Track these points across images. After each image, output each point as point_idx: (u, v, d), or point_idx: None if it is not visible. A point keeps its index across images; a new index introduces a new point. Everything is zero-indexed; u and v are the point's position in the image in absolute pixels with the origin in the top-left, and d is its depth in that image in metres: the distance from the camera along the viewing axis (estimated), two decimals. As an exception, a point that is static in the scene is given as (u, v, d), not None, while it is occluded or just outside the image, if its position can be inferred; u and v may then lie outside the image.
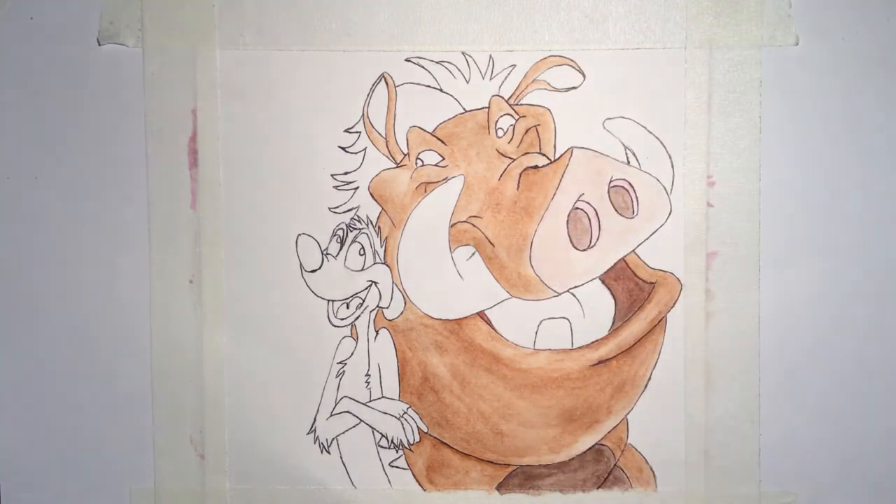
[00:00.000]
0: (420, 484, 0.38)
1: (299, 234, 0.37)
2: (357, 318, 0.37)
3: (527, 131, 0.37)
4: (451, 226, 0.37)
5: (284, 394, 0.38)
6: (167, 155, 0.37)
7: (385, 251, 0.37)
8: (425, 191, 0.37)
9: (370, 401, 0.38)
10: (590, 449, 0.38)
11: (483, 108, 0.37)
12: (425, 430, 0.38)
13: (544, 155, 0.37)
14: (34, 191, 0.37)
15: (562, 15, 0.36)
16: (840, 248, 0.36)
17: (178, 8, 0.37)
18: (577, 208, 0.37)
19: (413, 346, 0.37)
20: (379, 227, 0.37)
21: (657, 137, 0.36)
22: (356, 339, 0.37)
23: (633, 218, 0.37)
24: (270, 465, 0.38)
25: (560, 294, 0.37)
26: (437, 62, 0.37)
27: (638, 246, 0.37)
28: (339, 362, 0.38)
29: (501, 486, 0.38)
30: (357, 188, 0.37)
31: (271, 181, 0.37)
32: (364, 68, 0.37)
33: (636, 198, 0.37)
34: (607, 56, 0.36)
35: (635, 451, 0.37)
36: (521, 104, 0.37)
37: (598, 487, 0.38)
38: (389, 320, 0.37)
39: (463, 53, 0.37)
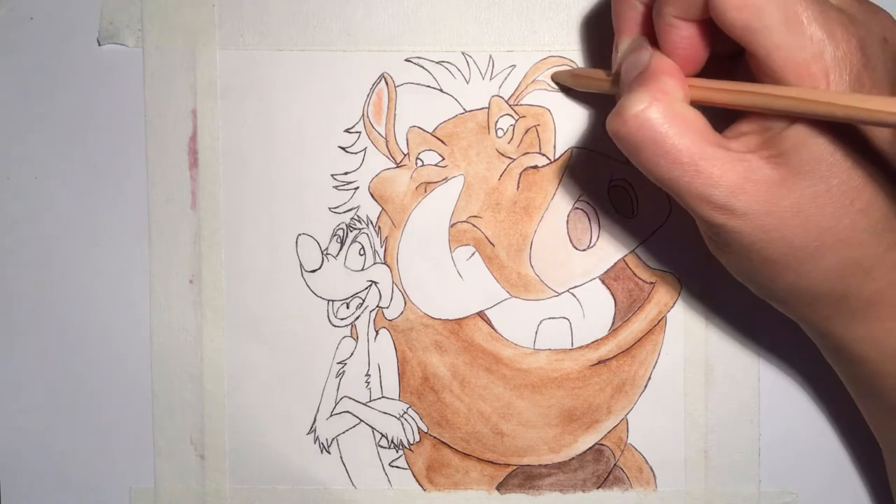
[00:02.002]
0: (420, 484, 0.38)
1: (299, 234, 0.37)
2: (357, 318, 0.37)
3: (527, 131, 0.37)
4: (451, 226, 0.37)
5: (284, 394, 0.38)
6: (167, 155, 0.37)
7: (385, 251, 0.37)
8: (425, 191, 0.37)
9: (370, 401, 0.38)
10: (590, 449, 0.38)
11: (483, 108, 0.37)
12: (425, 430, 0.38)
13: (544, 155, 0.37)
14: (34, 191, 0.37)
15: (561, 15, 0.36)
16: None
17: (178, 8, 0.37)
18: (577, 208, 0.37)
19: (413, 346, 0.37)
20: (379, 227, 0.37)
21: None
22: (356, 339, 0.37)
23: (633, 218, 0.37)
24: (270, 465, 0.38)
25: (560, 294, 0.37)
26: (437, 62, 0.37)
27: (638, 246, 0.37)
28: (339, 362, 0.38)
29: (501, 486, 0.38)
30: (357, 188, 0.37)
31: (271, 181, 0.37)
32: (364, 68, 0.37)
33: (636, 198, 0.37)
34: (607, 56, 0.36)
35: (635, 451, 0.37)
36: (521, 104, 0.37)
37: (598, 487, 0.38)
38: (389, 320, 0.37)
39: (463, 54, 0.37)
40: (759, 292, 0.31)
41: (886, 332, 0.28)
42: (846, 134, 0.26)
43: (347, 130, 0.37)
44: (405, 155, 0.37)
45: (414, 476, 0.38)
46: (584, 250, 0.37)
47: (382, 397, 0.38)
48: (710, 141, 0.27)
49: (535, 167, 0.37)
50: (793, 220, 0.27)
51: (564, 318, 0.37)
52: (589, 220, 0.37)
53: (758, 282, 0.30)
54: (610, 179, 0.37)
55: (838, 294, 0.28)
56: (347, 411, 0.38)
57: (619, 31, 0.31)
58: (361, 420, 0.38)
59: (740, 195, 0.27)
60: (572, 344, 0.37)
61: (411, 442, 0.38)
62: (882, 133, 0.27)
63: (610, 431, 0.37)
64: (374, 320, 0.37)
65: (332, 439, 0.38)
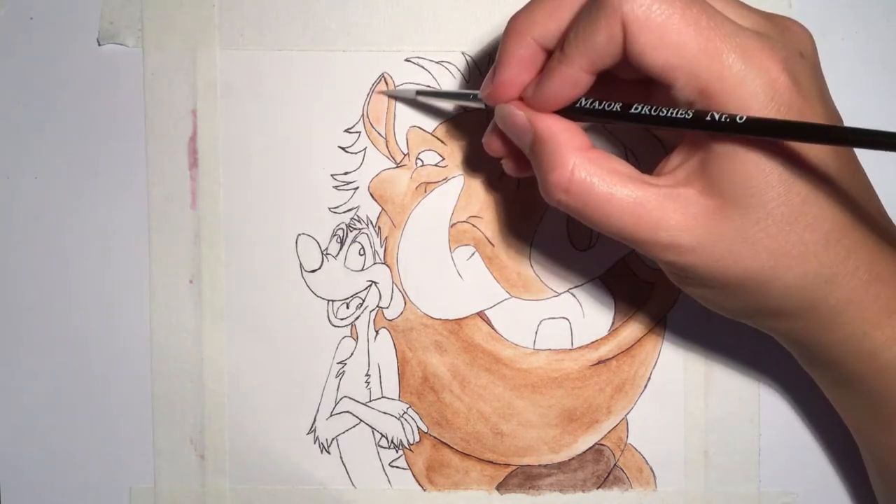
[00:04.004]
0: (420, 484, 0.38)
1: (299, 234, 0.37)
2: (357, 318, 0.37)
3: (527, 131, 0.37)
4: (451, 226, 0.37)
5: (284, 394, 0.38)
6: (167, 155, 0.37)
7: (385, 251, 0.37)
8: (425, 191, 0.37)
9: (370, 401, 0.38)
10: (590, 449, 0.38)
11: (483, 108, 0.37)
12: (425, 430, 0.38)
13: (544, 155, 0.37)
14: (34, 191, 0.37)
15: (562, 15, 0.36)
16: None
17: (178, 8, 0.37)
18: (577, 208, 0.37)
19: (413, 346, 0.37)
20: (379, 227, 0.37)
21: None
22: (356, 339, 0.37)
23: (632, 218, 0.37)
24: (270, 465, 0.38)
25: (560, 294, 0.37)
26: (437, 62, 0.37)
27: (638, 246, 0.37)
28: (339, 362, 0.38)
29: (501, 486, 0.38)
30: (357, 188, 0.37)
31: (271, 181, 0.37)
32: (364, 68, 0.37)
33: (636, 198, 0.37)
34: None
35: (635, 451, 0.37)
36: (521, 104, 0.37)
37: (598, 487, 0.38)
38: (389, 320, 0.37)
39: (463, 53, 0.37)
40: (730, 315, 0.31)
41: (860, 336, 0.28)
42: (776, 155, 0.26)
43: (347, 130, 0.37)
44: (405, 155, 0.37)
45: (414, 476, 0.38)
46: (584, 250, 0.37)
47: (382, 397, 0.38)
48: (640, 184, 0.27)
49: (535, 167, 0.37)
50: (741, 246, 0.26)
51: (564, 318, 0.37)
52: (589, 220, 0.37)
53: (725, 307, 0.30)
54: (610, 179, 0.37)
55: (806, 306, 0.28)
56: (347, 411, 0.38)
57: (501, 64, 0.29)
58: (361, 420, 0.38)
59: (683, 231, 0.26)
60: (572, 344, 0.37)
61: (411, 442, 0.38)
62: (816, 148, 0.26)
63: (610, 431, 0.37)
64: (374, 320, 0.37)
65: (332, 439, 0.38)
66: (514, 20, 0.29)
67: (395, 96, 0.37)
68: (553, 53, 0.28)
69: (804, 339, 0.30)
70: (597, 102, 0.28)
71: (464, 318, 0.37)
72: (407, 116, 0.37)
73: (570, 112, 0.29)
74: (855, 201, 0.27)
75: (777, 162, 0.26)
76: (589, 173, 0.27)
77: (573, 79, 0.27)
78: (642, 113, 0.27)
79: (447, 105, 0.36)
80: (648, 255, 0.28)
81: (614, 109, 0.28)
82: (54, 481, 0.38)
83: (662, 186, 0.27)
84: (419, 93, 0.36)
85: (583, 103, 0.29)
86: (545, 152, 0.28)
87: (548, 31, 0.28)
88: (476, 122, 0.37)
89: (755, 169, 0.26)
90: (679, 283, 0.30)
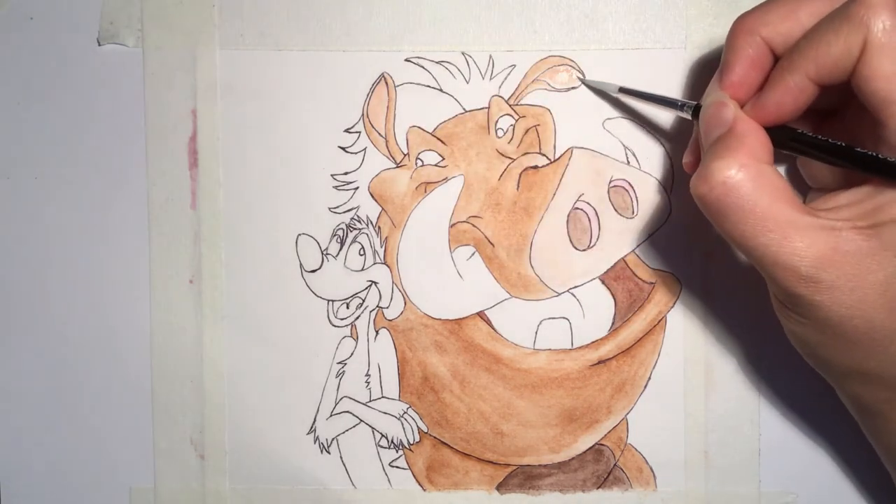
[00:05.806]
0: (420, 484, 0.38)
1: (299, 234, 0.37)
2: (357, 318, 0.37)
3: (527, 131, 0.37)
4: (451, 226, 0.37)
5: (284, 394, 0.38)
6: (167, 155, 0.37)
7: (385, 251, 0.37)
8: (425, 191, 0.37)
9: (370, 401, 0.38)
10: (590, 449, 0.38)
11: (483, 108, 0.37)
12: (425, 430, 0.38)
13: (544, 155, 0.37)
14: (34, 191, 0.37)
15: (562, 15, 0.36)
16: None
17: (178, 8, 0.37)
18: (577, 208, 0.37)
19: (413, 346, 0.37)
20: (379, 227, 0.37)
21: (657, 138, 0.36)
22: (356, 339, 0.37)
23: (633, 218, 0.37)
24: (270, 465, 0.38)
25: (560, 294, 0.37)
26: (437, 62, 0.37)
27: (638, 246, 0.37)
28: (339, 362, 0.38)
29: (501, 486, 0.38)
30: (357, 188, 0.37)
31: (271, 181, 0.37)
32: (364, 68, 0.37)
33: (636, 198, 0.37)
34: (607, 56, 0.36)
35: (635, 451, 0.37)
36: (521, 104, 0.37)
37: (598, 487, 0.38)
38: (389, 320, 0.37)
39: (463, 53, 0.37)
40: (817, 364, 0.29)
41: None
42: None
43: (347, 130, 0.37)
44: (405, 155, 0.37)
45: (414, 476, 0.38)
46: (584, 250, 0.37)
47: (382, 397, 0.38)
48: (800, 209, 0.26)
49: (535, 167, 0.37)
50: (877, 300, 0.25)
51: (564, 318, 0.37)
52: (589, 220, 0.37)
53: (820, 355, 0.29)
54: (610, 179, 0.37)
55: None
56: (347, 411, 0.38)
57: (729, 65, 0.28)
58: (361, 420, 0.38)
59: (828, 267, 0.25)
60: (572, 344, 0.37)
61: (411, 442, 0.38)
62: None
63: (610, 431, 0.37)
64: (374, 320, 0.37)
65: (332, 439, 0.38)
66: (743, 19, 0.28)
67: (596, 88, 0.36)
68: (779, 63, 0.27)
69: (886, 412, 0.28)
70: (818, 137, 0.27)
71: (464, 318, 0.37)
72: (407, 116, 0.37)
73: (785, 136, 0.28)
74: None
75: None
76: (752, 179, 0.26)
77: (797, 87, 0.26)
78: (869, 155, 0.26)
79: (647, 107, 0.36)
80: (776, 280, 0.27)
81: (838, 144, 0.26)
82: (54, 481, 0.38)
83: (823, 218, 0.26)
84: (622, 89, 0.35)
85: (801, 132, 0.27)
86: (724, 143, 0.27)
87: (780, 32, 0.27)
88: (476, 122, 0.37)
89: None
90: (788, 318, 0.28)
